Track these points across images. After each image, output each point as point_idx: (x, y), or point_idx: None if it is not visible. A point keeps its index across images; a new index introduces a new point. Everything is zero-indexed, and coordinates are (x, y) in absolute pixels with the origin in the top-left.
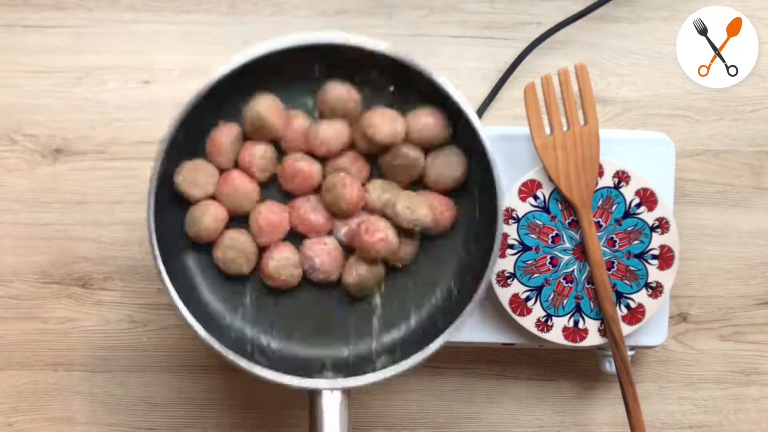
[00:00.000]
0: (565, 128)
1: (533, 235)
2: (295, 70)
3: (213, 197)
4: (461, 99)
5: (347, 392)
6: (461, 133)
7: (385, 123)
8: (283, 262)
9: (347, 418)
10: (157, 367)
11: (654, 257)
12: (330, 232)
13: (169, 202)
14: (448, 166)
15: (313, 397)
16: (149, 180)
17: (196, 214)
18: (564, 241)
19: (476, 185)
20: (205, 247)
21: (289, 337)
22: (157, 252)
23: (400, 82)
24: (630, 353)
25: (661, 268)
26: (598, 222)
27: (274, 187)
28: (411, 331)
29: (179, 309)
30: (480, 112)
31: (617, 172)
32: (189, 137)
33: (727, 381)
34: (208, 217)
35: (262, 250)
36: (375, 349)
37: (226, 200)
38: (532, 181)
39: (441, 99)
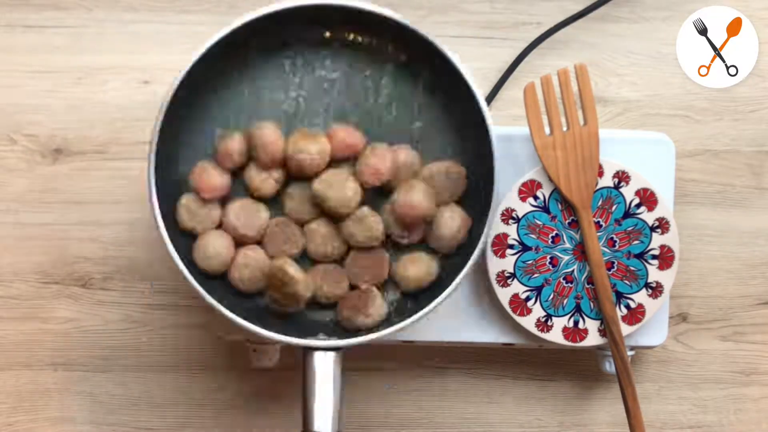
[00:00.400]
0: (564, 128)
1: (533, 235)
2: (300, 37)
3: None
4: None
5: (340, 354)
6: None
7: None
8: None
9: (340, 380)
10: (157, 367)
11: (654, 257)
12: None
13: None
14: (449, 227)
15: (306, 356)
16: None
17: (207, 247)
18: (564, 241)
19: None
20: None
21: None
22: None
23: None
24: (630, 353)
25: (661, 268)
26: (598, 222)
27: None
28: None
29: (180, 266)
30: None
31: (617, 172)
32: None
33: (727, 381)
34: (220, 248)
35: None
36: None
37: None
38: (532, 181)
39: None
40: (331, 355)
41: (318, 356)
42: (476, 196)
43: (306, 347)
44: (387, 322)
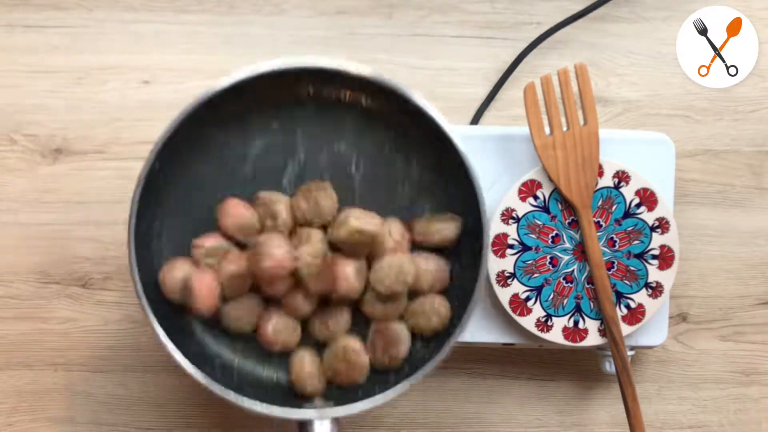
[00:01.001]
0: (564, 128)
1: (533, 235)
2: (275, 95)
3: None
4: (440, 119)
5: (337, 420)
6: (446, 163)
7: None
8: (281, 325)
9: None
10: (157, 367)
11: (654, 257)
12: None
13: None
14: (433, 271)
15: (302, 427)
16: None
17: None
18: (564, 241)
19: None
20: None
21: (277, 365)
22: (141, 291)
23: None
24: (630, 353)
25: (661, 268)
26: (598, 222)
27: None
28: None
29: (167, 347)
30: (480, 112)
31: (617, 172)
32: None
33: (727, 381)
34: (205, 290)
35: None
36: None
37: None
38: (532, 181)
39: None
40: (327, 423)
41: (316, 425)
42: (459, 286)
43: (300, 421)
44: (384, 384)
